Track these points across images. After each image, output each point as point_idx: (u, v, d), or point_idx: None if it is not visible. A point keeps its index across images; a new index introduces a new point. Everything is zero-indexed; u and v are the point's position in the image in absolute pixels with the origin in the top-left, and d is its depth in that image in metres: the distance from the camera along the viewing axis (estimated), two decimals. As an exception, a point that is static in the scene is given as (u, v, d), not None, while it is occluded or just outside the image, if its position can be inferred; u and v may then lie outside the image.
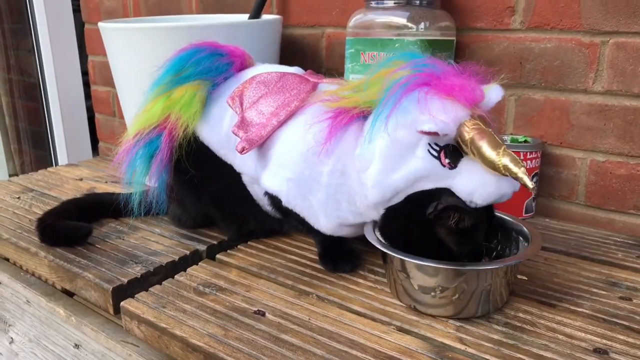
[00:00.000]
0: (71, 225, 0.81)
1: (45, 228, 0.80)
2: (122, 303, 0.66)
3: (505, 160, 0.55)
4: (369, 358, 0.54)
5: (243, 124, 0.71)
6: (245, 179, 0.75)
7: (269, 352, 0.56)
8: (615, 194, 0.86)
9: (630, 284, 0.68)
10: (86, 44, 1.58)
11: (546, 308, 0.63)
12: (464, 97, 0.58)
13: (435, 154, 0.59)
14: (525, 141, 0.89)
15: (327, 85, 0.71)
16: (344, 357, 0.55)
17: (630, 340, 0.56)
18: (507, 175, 0.55)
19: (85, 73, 1.67)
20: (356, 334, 0.58)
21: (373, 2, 0.90)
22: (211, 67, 0.75)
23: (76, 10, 1.66)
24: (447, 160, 0.58)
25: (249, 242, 0.80)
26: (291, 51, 1.14)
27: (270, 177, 0.69)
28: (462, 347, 0.55)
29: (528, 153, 0.86)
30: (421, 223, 0.60)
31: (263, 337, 0.58)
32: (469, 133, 0.57)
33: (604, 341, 0.56)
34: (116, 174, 0.74)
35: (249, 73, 0.76)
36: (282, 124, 0.69)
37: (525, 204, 0.88)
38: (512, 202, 0.86)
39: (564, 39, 0.85)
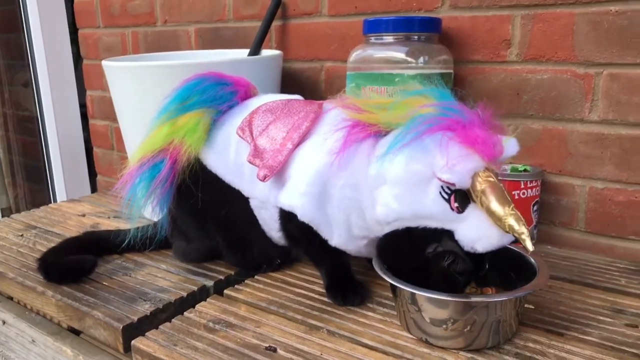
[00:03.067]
0: (75, 259, 0.82)
1: (48, 266, 0.80)
2: (133, 341, 0.66)
3: (511, 220, 0.57)
4: (384, 393, 0.55)
5: (257, 152, 0.72)
6: (253, 203, 0.75)
7: (284, 389, 0.56)
8: (615, 221, 0.87)
9: (635, 310, 0.69)
10: (84, 79, 1.59)
11: (554, 337, 0.63)
12: (484, 151, 0.60)
13: (446, 197, 0.60)
14: (525, 170, 0.90)
15: (330, 104, 0.73)
16: (359, 392, 0.55)
17: (641, 368, 0.57)
18: (509, 233, 0.57)
19: (82, 106, 1.69)
20: (369, 368, 0.59)
21: (372, 38, 0.92)
22: (215, 96, 0.77)
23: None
24: (456, 205, 0.60)
25: (255, 277, 0.80)
26: (291, 84, 1.16)
27: (287, 194, 0.70)
28: (475, 380, 0.56)
29: (528, 182, 0.87)
30: (416, 257, 0.62)
31: (277, 373, 0.58)
32: (481, 184, 0.59)
33: (615, 370, 0.57)
34: (118, 200, 0.75)
35: (253, 102, 0.78)
36: (296, 146, 0.70)
37: (527, 232, 0.89)
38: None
39: (560, 70, 0.88)
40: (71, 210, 1.15)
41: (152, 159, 0.73)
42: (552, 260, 0.84)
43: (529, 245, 0.56)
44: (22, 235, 1.00)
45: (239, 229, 0.78)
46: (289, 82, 1.15)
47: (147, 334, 0.67)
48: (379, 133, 0.66)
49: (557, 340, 0.62)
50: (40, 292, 0.79)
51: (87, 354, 0.75)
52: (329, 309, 0.71)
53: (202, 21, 1.29)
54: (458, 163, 0.58)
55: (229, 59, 1.08)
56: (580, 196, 0.90)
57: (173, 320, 0.70)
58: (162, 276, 0.81)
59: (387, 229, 0.65)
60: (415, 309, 0.62)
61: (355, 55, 0.93)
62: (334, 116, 0.70)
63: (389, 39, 0.90)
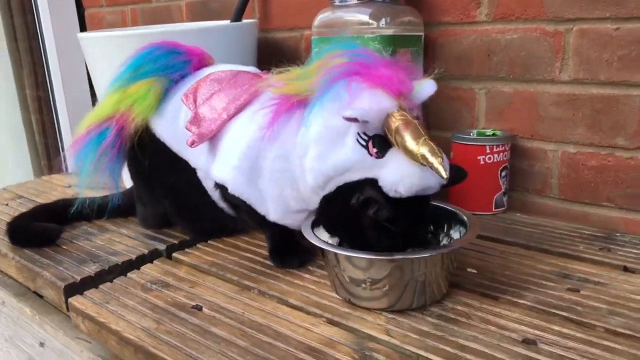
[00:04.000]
0: (41, 227, 0.84)
1: (15, 230, 0.83)
2: (70, 299, 0.67)
3: (424, 150, 0.54)
4: (290, 349, 0.54)
5: (196, 119, 0.72)
6: (200, 174, 0.75)
7: (194, 344, 0.56)
8: (588, 186, 0.83)
9: (582, 275, 0.65)
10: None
11: (488, 300, 0.61)
12: (391, 88, 0.58)
13: (363, 143, 0.58)
14: (494, 134, 0.87)
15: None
16: (266, 348, 0.54)
17: (565, 330, 0.54)
18: (425, 165, 0.55)
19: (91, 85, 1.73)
20: (285, 326, 0.58)
21: (337, 1, 0.90)
22: (168, 65, 0.77)
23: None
24: (375, 150, 0.58)
25: (208, 242, 0.81)
26: (271, 53, 1.15)
27: (218, 167, 0.70)
28: (387, 339, 0.54)
29: (494, 146, 0.84)
30: (350, 214, 0.60)
31: (193, 330, 0.58)
32: (394, 123, 0.57)
33: (537, 332, 0.54)
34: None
35: (205, 72, 0.78)
36: (231, 117, 0.70)
37: (494, 199, 0.86)
38: (480, 196, 0.85)
39: (529, 28, 0.83)
40: (59, 182, 1.18)
41: (99, 126, 0.74)
42: (516, 227, 0.81)
43: (442, 172, 0.53)
44: (7, 204, 1.04)
45: (189, 198, 0.78)
46: (270, 51, 1.14)
47: (85, 292, 0.68)
48: (305, 102, 0.64)
49: (489, 304, 0.60)
50: (4, 254, 0.81)
51: (44, 313, 0.77)
52: (268, 271, 0.70)
53: (192, -5, 1.30)
54: (359, 99, 0.56)
55: (199, 27, 1.07)
56: (552, 162, 0.86)
57: (115, 280, 0.71)
58: (119, 240, 0.83)
59: (322, 195, 0.64)
60: (338, 269, 0.60)
61: (319, 19, 0.91)
62: (263, 99, 0.69)
63: (353, 1, 0.88)
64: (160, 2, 1.38)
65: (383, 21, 0.85)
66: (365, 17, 0.86)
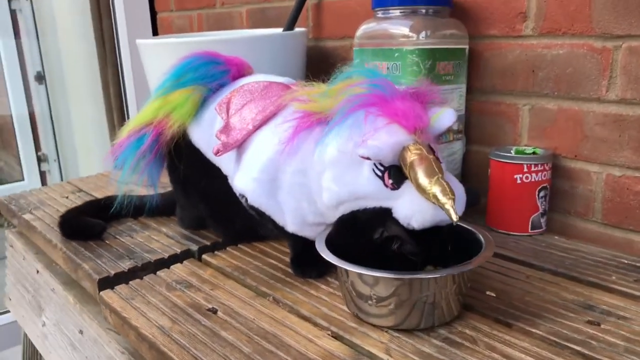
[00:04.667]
0: (88, 222, 0.90)
1: (64, 223, 0.89)
2: (100, 292, 0.72)
3: (435, 189, 0.54)
4: (288, 359, 0.55)
5: (226, 128, 0.74)
6: (231, 181, 0.78)
7: (202, 346, 0.58)
8: (633, 212, 0.78)
9: (607, 307, 0.62)
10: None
11: (500, 327, 0.59)
12: (407, 122, 0.58)
13: (379, 174, 0.59)
14: (534, 153, 0.84)
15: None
16: (267, 356, 0.56)
17: (572, 366, 0.52)
18: (436, 204, 0.54)
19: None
20: (290, 336, 0.59)
21: (380, 12, 0.90)
22: (207, 74, 0.80)
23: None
24: (390, 181, 0.59)
25: (239, 245, 0.83)
26: (322, 62, 1.16)
27: (240, 177, 0.72)
28: (385, 357, 0.54)
29: (532, 165, 0.81)
30: (364, 242, 0.61)
31: (204, 332, 0.61)
32: (410, 157, 0.57)
33: (542, 365, 0.52)
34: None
35: (242, 82, 0.80)
36: (257, 128, 0.72)
37: (531, 220, 0.83)
38: (516, 216, 0.83)
39: (576, 44, 0.80)
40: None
41: (139, 131, 0.78)
42: (549, 250, 0.78)
43: (453, 216, 0.53)
44: (67, 197, 1.11)
45: (221, 203, 0.80)
46: (321, 60, 1.16)
47: (115, 287, 0.73)
48: (324, 120, 0.65)
49: (500, 330, 0.58)
50: (54, 244, 0.88)
51: (84, 303, 0.83)
52: (287, 279, 0.72)
53: (252, 2, 1.34)
54: (374, 136, 0.56)
55: (248, 35, 1.10)
56: (596, 184, 0.82)
57: (145, 277, 0.75)
58: (157, 239, 0.87)
59: (336, 214, 0.65)
60: (348, 284, 0.61)
61: (361, 30, 0.92)
62: (287, 113, 0.70)
63: (395, 12, 0.88)
64: (223, 8, 1.43)
65: (423, 34, 0.84)
66: (405, 30, 0.85)
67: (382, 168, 0.59)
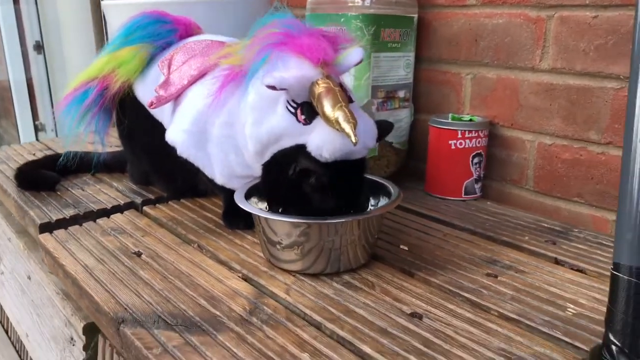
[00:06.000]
0: (42, 174, 0.93)
1: (20, 175, 0.92)
2: (39, 236, 0.75)
3: (337, 115, 0.56)
4: (195, 296, 0.58)
5: (165, 84, 0.77)
6: None
7: (119, 283, 0.61)
8: (561, 180, 0.81)
9: (509, 262, 0.65)
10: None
11: (402, 276, 0.62)
12: (312, 56, 0.60)
13: (292, 110, 0.61)
14: (471, 120, 0.86)
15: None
16: (175, 293, 0.59)
17: (458, 310, 0.55)
18: (339, 130, 0.56)
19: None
20: (202, 277, 0.62)
21: (331, -21, 0.92)
22: (155, 32, 0.82)
23: None
24: (303, 117, 0.61)
25: (181, 200, 0.86)
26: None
27: (171, 129, 0.74)
28: (284, 296, 0.57)
29: (466, 132, 0.83)
30: (288, 181, 0.63)
31: (123, 271, 0.64)
32: (318, 90, 0.59)
33: (430, 308, 0.55)
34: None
35: (189, 41, 0.83)
36: (192, 83, 0.74)
37: (465, 185, 0.85)
38: (450, 181, 0.85)
39: (514, 13, 0.82)
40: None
41: (85, 85, 0.81)
42: (476, 214, 0.80)
43: (352, 138, 0.55)
44: (34, 155, 1.15)
45: (163, 159, 0.82)
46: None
47: (54, 232, 0.76)
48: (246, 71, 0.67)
49: (400, 278, 0.61)
50: (8, 194, 0.91)
51: (31, 249, 0.87)
52: (217, 230, 0.75)
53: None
54: (280, 68, 0.59)
55: None
56: (530, 152, 0.84)
57: (84, 224, 0.78)
58: (106, 192, 0.90)
59: (261, 162, 0.67)
60: (260, 230, 0.64)
61: (312, -4, 0.94)
62: (217, 70, 0.72)
63: (344, -21, 0.90)
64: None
65: (368, 0, 0.86)
66: (353, -4, 0.87)
67: (294, 105, 0.61)
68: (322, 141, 0.59)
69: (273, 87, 0.59)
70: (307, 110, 0.61)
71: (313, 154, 0.60)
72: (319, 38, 0.61)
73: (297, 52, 0.60)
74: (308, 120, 0.61)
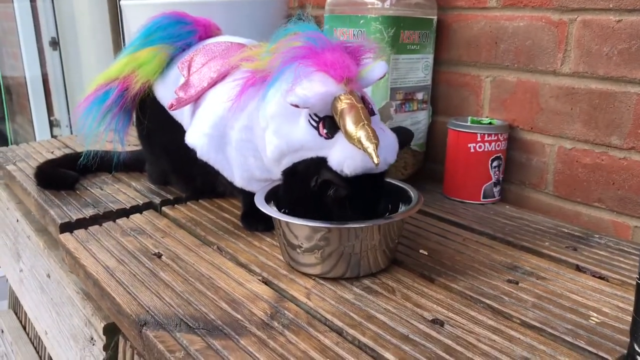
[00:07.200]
0: (61, 173, 0.94)
1: (40, 173, 0.93)
2: (59, 235, 0.76)
3: (360, 134, 0.56)
4: (215, 299, 0.58)
5: (185, 85, 0.77)
6: None
7: (139, 284, 0.62)
8: (581, 185, 0.80)
9: (530, 268, 0.64)
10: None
11: (422, 281, 0.62)
12: (335, 72, 0.60)
13: (314, 124, 0.62)
14: (490, 123, 0.85)
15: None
16: (196, 295, 0.59)
17: (479, 317, 0.54)
18: (360, 149, 0.57)
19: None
20: (222, 279, 0.62)
21: (350, -20, 0.91)
22: (175, 34, 0.83)
23: None
24: (324, 131, 0.61)
25: (199, 200, 0.87)
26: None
27: (191, 132, 0.75)
28: (305, 301, 0.57)
29: (486, 135, 0.82)
30: (309, 191, 0.63)
31: (144, 273, 0.64)
32: (340, 106, 0.59)
33: (451, 315, 0.55)
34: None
35: (208, 42, 0.83)
36: (212, 86, 0.75)
37: (483, 189, 0.85)
38: (469, 185, 0.85)
39: (535, 17, 0.81)
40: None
41: (105, 86, 0.81)
42: (495, 218, 0.80)
43: (374, 159, 0.55)
44: (52, 152, 1.16)
45: (182, 159, 0.83)
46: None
47: (75, 231, 0.77)
48: (268, 77, 0.67)
49: (421, 284, 0.61)
50: (28, 193, 0.92)
51: (51, 247, 0.87)
52: (236, 231, 0.75)
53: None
54: (303, 85, 0.59)
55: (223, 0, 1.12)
56: (549, 156, 0.83)
57: (104, 224, 0.79)
58: (125, 192, 0.91)
59: (280, 168, 0.67)
60: (281, 234, 0.64)
61: (331, -3, 0.93)
62: (238, 73, 0.72)
63: (364, -19, 0.89)
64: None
65: (388, 2, 0.86)
66: (372, -3, 0.87)
67: (317, 119, 0.61)
68: (344, 157, 0.60)
69: (296, 106, 0.59)
70: (329, 124, 0.61)
71: (334, 168, 0.60)
72: (342, 54, 0.61)
73: (320, 68, 0.60)
74: (330, 135, 0.61)
